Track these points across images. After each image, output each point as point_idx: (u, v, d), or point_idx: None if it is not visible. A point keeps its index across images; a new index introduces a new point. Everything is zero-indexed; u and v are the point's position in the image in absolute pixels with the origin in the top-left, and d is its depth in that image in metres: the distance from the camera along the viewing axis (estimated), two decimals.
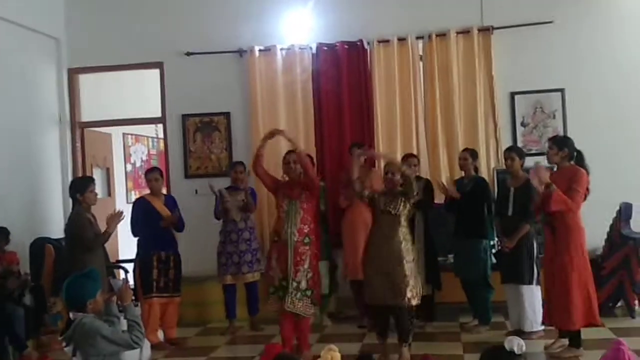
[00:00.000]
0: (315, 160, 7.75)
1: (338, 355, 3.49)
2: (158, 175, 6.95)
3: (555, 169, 6.00)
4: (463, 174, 7.03)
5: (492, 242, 6.90)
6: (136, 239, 6.88)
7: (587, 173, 5.81)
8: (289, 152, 6.24)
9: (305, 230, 6.03)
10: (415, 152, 7.62)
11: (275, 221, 6.26)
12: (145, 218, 6.71)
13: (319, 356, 3.60)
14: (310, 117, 8.08)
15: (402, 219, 5.89)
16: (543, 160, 6.31)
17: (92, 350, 3.81)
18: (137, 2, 8.47)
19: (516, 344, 2.88)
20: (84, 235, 5.90)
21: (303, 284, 5.95)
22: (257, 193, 7.43)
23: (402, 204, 5.86)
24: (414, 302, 5.79)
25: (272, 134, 6.23)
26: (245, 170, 7.32)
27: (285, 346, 5.90)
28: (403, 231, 5.88)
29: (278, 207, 6.10)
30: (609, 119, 7.75)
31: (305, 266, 5.98)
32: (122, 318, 4.27)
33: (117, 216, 6.09)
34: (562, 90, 7.85)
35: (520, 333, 6.30)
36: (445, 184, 7.02)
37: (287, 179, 6.17)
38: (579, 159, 5.88)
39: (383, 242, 5.87)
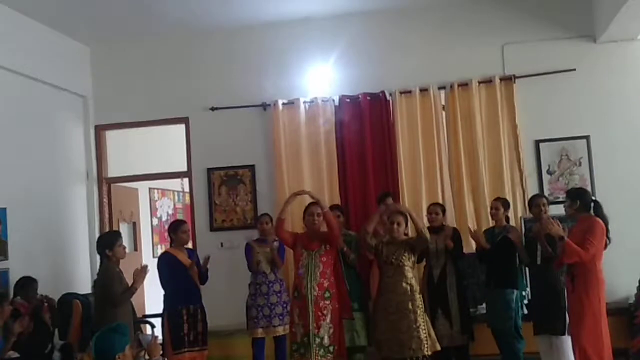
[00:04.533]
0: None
1: None
2: (187, 227, 6.96)
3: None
4: (493, 223, 6.99)
5: (523, 293, 6.79)
6: (162, 293, 6.84)
7: (606, 222, 5.78)
8: (313, 204, 6.23)
9: (325, 285, 5.99)
10: (440, 202, 7.57)
11: (294, 276, 6.18)
12: (172, 272, 6.67)
13: None
14: (334, 169, 8.10)
15: (405, 269, 5.95)
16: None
17: None
18: (162, 60, 8.63)
19: None
20: (113, 290, 5.90)
21: (326, 340, 5.89)
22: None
23: (405, 254, 5.94)
24: (424, 352, 5.79)
25: (296, 194, 6.27)
26: (271, 221, 7.35)
27: None
28: (408, 282, 5.93)
29: (296, 262, 6.05)
30: (636, 165, 7.69)
31: (327, 321, 5.92)
32: None
33: (142, 271, 6.11)
34: (587, 137, 7.82)
35: None
36: (473, 231, 6.99)
37: (306, 230, 6.14)
38: (597, 208, 5.87)
39: (389, 294, 5.92)
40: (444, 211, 7.12)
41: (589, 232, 5.66)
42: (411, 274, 6.00)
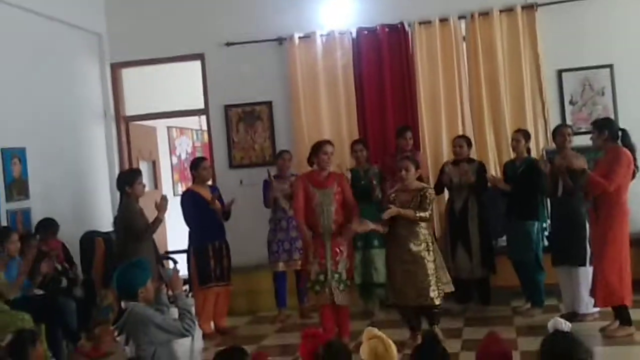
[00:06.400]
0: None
1: (381, 335, 3.33)
2: (208, 164, 7.02)
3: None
4: (513, 155, 6.91)
5: (544, 224, 6.76)
6: (187, 230, 6.90)
7: (633, 151, 5.71)
8: (325, 142, 6.15)
9: (340, 220, 5.97)
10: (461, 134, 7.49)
11: (306, 215, 6.00)
12: (196, 209, 6.71)
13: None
14: (352, 103, 8.00)
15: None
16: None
17: (144, 338, 3.83)
18: None
19: (560, 323, 2.79)
20: (135, 225, 5.95)
21: (343, 275, 5.94)
22: None
23: (417, 202, 5.77)
24: (437, 301, 5.74)
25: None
26: (291, 157, 7.35)
27: (327, 335, 5.88)
28: (422, 231, 5.80)
29: (309, 201, 5.95)
30: None
31: (344, 256, 5.96)
32: (172, 307, 4.30)
33: (163, 201, 6.16)
34: (610, 66, 7.62)
35: (574, 315, 6.19)
36: (494, 176, 6.93)
37: (317, 168, 6.04)
38: (624, 138, 5.79)
39: (402, 243, 5.80)
40: (469, 143, 7.04)
41: (614, 163, 5.60)
42: (425, 222, 5.87)
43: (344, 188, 6.06)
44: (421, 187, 5.91)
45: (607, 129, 5.80)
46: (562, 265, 6.38)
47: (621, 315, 5.74)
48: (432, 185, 6.76)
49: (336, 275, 5.88)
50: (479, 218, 6.81)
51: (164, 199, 6.23)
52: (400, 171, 5.89)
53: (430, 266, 5.75)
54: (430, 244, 5.84)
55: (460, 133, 7.54)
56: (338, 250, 5.92)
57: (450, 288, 6.03)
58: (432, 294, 5.70)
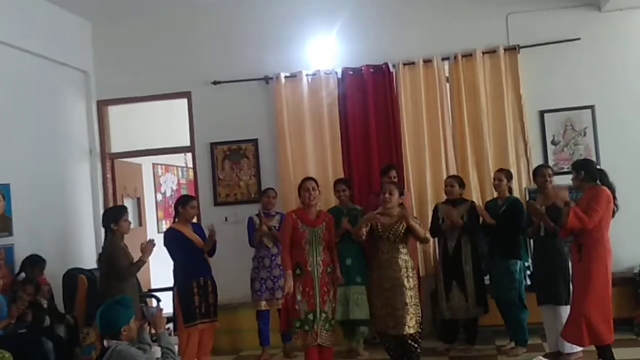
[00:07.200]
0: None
1: None
2: (196, 203, 7.02)
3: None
4: (496, 194, 6.97)
5: (526, 263, 6.79)
6: (171, 268, 6.84)
7: (612, 190, 5.78)
8: (307, 179, 6.21)
9: (328, 260, 6.01)
10: (444, 174, 7.56)
11: (293, 253, 5.98)
12: (180, 247, 6.67)
13: None
14: (337, 142, 8.07)
15: (400, 245, 5.82)
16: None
17: None
18: (163, 34, 8.57)
19: None
20: (118, 264, 5.91)
21: (329, 314, 5.93)
22: None
23: (401, 228, 5.80)
24: (413, 330, 5.68)
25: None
26: (276, 195, 7.38)
27: None
28: (403, 258, 5.81)
29: (298, 239, 5.96)
30: None
31: (330, 296, 5.96)
32: (154, 345, 4.27)
33: (150, 244, 6.12)
34: (592, 107, 7.77)
35: (558, 355, 6.20)
36: (479, 206, 6.98)
37: (301, 206, 6.09)
38: (602, 178, 5.86)
39: (384, 270, 5.80)
40: (460, 184, 7.05)
41: (593, 201, 5.66)
42: (406, 249, 5.89)
43: (330, 229, 6.10)
44: (403, 214, 5.88)
45: (583, 170, 5.88)
46: (545, 304, 6.39)
47: (604, 354, 5.74)
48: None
49: (323, 315, 5.87)
50: (473, 257, 6.82)
51: (150, 242, 6.18)
52: (384, 194, 5.91)
53: (409, 294, 5.72)
54: (410, 269, 5.81)
55: (444, 172, 7.62)
56: (326, 290, 5.92)
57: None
58: (408, 323, 5.65)
